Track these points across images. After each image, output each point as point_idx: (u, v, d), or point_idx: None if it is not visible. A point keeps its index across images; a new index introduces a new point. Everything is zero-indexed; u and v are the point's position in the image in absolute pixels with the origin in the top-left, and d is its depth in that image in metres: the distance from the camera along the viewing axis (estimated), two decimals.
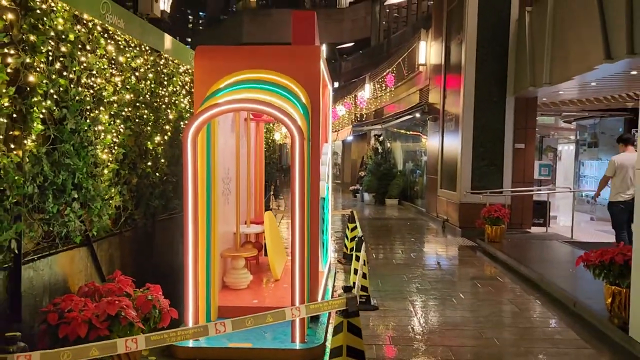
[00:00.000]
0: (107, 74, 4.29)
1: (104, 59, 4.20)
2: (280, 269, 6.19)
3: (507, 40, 11.04)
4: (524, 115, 11.33)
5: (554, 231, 11.26)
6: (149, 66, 5.12)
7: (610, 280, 5.03)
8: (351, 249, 8.12)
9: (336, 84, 35.49)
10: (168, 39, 5.55)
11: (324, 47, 6.64)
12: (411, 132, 17.59)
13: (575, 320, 5.48)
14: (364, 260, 5.81)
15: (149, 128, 5.13)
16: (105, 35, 4.29)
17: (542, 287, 6.74)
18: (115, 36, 4.47)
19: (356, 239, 6.05)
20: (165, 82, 5.52)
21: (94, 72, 4.06)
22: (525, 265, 7.68)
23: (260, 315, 3.09)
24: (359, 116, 21.41)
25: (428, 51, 14.43)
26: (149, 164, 5.16)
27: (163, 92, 5.46)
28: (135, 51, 4.82)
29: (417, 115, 14.56)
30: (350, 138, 25.63)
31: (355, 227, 8.17)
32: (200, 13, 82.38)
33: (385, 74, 17.92)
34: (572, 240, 9.88)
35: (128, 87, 4.67)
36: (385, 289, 6.68)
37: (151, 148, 5.20)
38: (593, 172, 14.63)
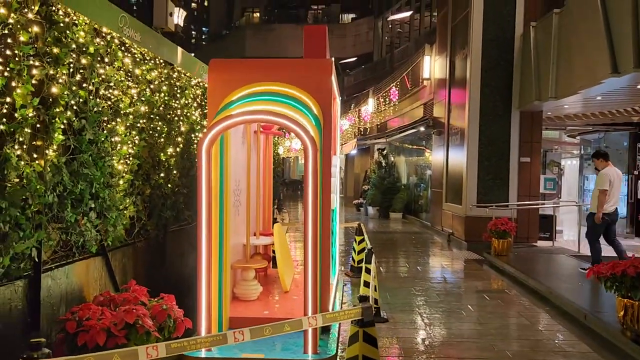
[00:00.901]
0: (124, 86, 4.35)
1: (121, 72, 4.26)
2: (289, 280, 6.20)
3: (512, 54, 11.15)
4: (530, 129, 11.40)
5: (560, 245, 11.25)
6: (162, 79, 5.19)
7: (622, 293, 5.03)
8: (359, 262, 8.14)
9: (339, 99, 35.73)
10: (180, 52, 5.63)
11: (333, 61, 6.71)
12: (415, 146, 17.66)
13: (587, 333, 5.46)
14: (374, 273, 5.82)
15: (162, 140, 5.18)
16: (123, 48, 4.36)
17: (551, 300, 6.73)
18: (132, 49, 4.54)
19: (365, 250, 6.06)
20: (178, 95, 5.59)
21: (112, 84, 4.12)
22: (533, 278, 7.67)
23: (277, 324, 3.10)
24: (362, 130, 21.51)
25: (432, 66, 14.55)
26: (162, 175, 5.20)
27: (176, 105, 5.52)
28: (150, 64, 4.89)
29: (422, 129, 14.64)
30: (353, 152, 25.70)
31: (363, 240, 8.19)
32: (204, 29, 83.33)
33: (389, 88, 18.04)
34: (579, 254, 9.87)
35: (143, 99, 4.73)
36: (394, 301, 6.67)
37: (164, 159, 5.24)
38: None
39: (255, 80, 4.91)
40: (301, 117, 4.57)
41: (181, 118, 5.67)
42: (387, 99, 18.19)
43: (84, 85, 3.74)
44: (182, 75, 5.77)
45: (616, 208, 7.82)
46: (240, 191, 5.91)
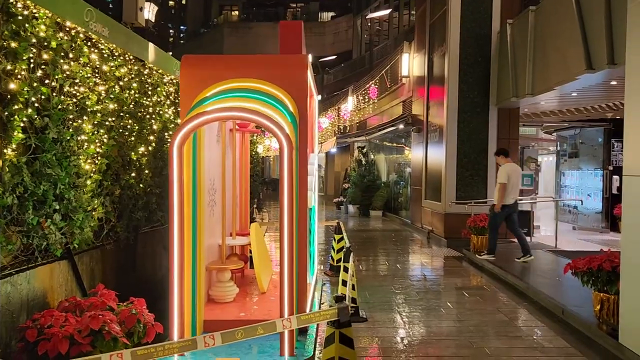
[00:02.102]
0: (91, 83, 4.20)
1: (88, 68, 4.11)
2: (266, 281, 6.09)
3: (489, 51, 11.18)
4: (507, 126, 11.45)
5: (537, 240, 11.32)
6: (132, 75, 5.04)
7: (599, 287, 5.03)
8: (338, 261, 8.05)
9: (319, 97, 35.67)
10: (152, 49, 5.48)
11: (310, 57, 6.62)
12: (395, 144, 17.67)
13: (564, 328, 5.47)
14: (352, 272, 5.74)
15: (132, 138, 5.02)
16: (89, 44, 4.20)
17: (530, 295, 6.74)
18: (99, 44, 4.39)
19: (344, 249, 5.98)
20: (150, 92, 5.43)
21: (77, 80, 3.96)
22: (511, 274, 7.68)
23: (250, 327, 3.00)
24: (342, 128, 21.45)
25: (411, 63, 14.54)
26: (133, 175, 5.05)
27: (147, 102, 5.37)
28: (119, 60, 4.73)
29: (401, 126, 14.63)
30: (333, 150, 25.66)
31: (342, 238, 8.10)
32: (182, 27, 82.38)
33: (368, 86, 18.01)
34: (557, 250, 9.94)
35: (112, 96, 4.57)
36: (373, 300, 6.61)
37: (135, 159, 5.09)
38: (574, 182, 14.82)
39: (229, 76, 4.79)
40: (276, 115, 4.47)
41: (153, 116, 5.52)
42: (367, 97, 18.16)
43: (47, 81, 3.58)
44: (154, 72, 5.62)
45: (515, 200, 8.64)
46: (215, 190, 5.78)
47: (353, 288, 5.76)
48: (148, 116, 5.38)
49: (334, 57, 33.45)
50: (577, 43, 7.40)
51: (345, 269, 5.75)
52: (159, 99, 5.66)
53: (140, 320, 3.73)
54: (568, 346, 4.93)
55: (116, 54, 4.69)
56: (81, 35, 4.07)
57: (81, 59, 4.02)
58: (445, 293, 7.11)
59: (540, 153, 21.26)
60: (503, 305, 6.47)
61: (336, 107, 22.33)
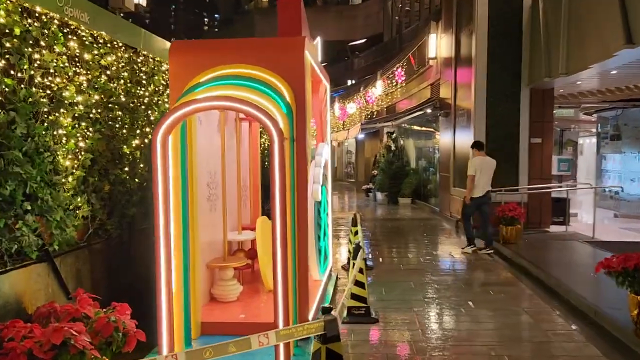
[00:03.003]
0: (70, 73, 3.92)
1: (64, 57, 3.82)
2: (271, 279, 5.76)
3: (520, 29, 10.46)
4: (540, 108, 10.74)
5: (574, 230, 10.65)
6: (122, 64, 4.74)
7: (636, 289, 4.50)
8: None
9: (349, 82, 34.98)
10: (146, 35, 5.17)
11: (318, 41, 6.22)
12: (424, 129, 17.05)
13: (597, 333, 4.95)
14: (361, 269, 5.36)
15: (124, 131, 4.75)
16: (66, 31, 3.91)
17: (560, 293, 6.21)
18: (79, 31, 4.10)
19: (355, 244, 5.59)
20: (145, 82, 5.14)
21: (52, 70, 3.68)
22: (542, 269, 7.15)
23: (220, 345, 2.67)
24: (370, 113, 20.92)
25: (438, 44, 13.88)
26: (126, 169, 4.78)
27: (142, 92, 5.08)
28: (105, 48, 4.44)
29: (428, 110, 14.03)
30: (361, 136, 25.11)
31: (357, 232, 7.71)
32: (216, 15, 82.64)
33: (394, 69, 17.40)
34: (594, 240, 9.28)
35: (97, 86, 4.29)
36: (389, 298, 6.22)
37: (128, 152, 4.82)
38: (616, 166, 13.92)
39: (221, 62, 4.44)
40: (269, 103, 4.10)
41: (150, 106, 5.23)
42: (394, 81, 17.56)
43: (12, 72, 3.31)
44: (150, 60, 5.32)
45: (487, 192, 8.80)
46: (216, 184, 5.48)
47: (363, 286, 5.38)
48: (143, 107, 5.09)
49: (363, 40, 32.69)
50: (615, 16, 6.72)
51: (360, 270, 5.36)
52: (156, 88, 5.36)
53: (119, 329, 3.46)
54: (600, 355, 4.43)
55: (101, 41, 4.39)
56: (56, 22, 3.78)
57: (56, 47, 3.73)
58: (468, 290, 6.64)
59: (581, 135, 20.19)
60: (530, 304, 5.97)
61: (364, 92, 21.75)
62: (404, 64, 17.16)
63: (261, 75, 4.39)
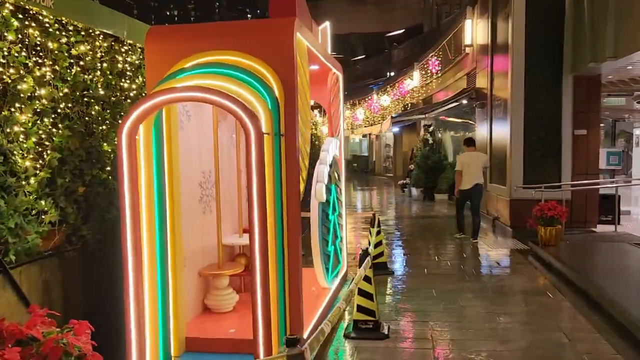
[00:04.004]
0: (30, 64, 3.53)
1: (18, 45, 3.43)
2: None
3: (561, 10, 9.54)
4: (586, 97, 9.80)
5: (625, 230, 9.68)
6: (101, 54, 4.34)
7: None
8: (374, 257, 7.10)
9: (388, 74, 34.09)
10: (131, 23, 4.76)
11: (326, 25, 5.66)
12: (461, 120, 16.18)
13: None
14: (369, 278, 4.80)
15: (104, 127, 4.35)
16: (23, 16, 3.52)
17: (604, 306, 5.45)
18: (40, 17, 3.70)
19: (362, 251, 5.02)
20: (131, 73, 4.73)
21: (2, 60, 3.29)
22: (583, 275, 6.37)
23: None
24: (404, 106, 20.15)
25: (474, 30, 13.02)
26: (108, 168, 4.39)
27: (127, 85, 4.67)
28: (77, 36, 4.04)
29: (464, 101, 13.23)
30: (396, 129, 24.31)
31: (379, 232, 7.13)
32: (257, 10, 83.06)
33: (428, 58, 16.58)
34: None
35: (67, 78, 3.89)
36: (405, 308, 5.63)
37: (110, 150, 4.42)
38: None
39: (202, 48, 3.97)
40: (249, 94, 3.59)
41: (136, 100, 4.81)
42: (429, 71, 16.76)
43: None
44: (138, 50, 4.91)
45: (475, 184, 9.26)
46: (212, 184, 5.03)
47: (371, 298, 4.81)
48: (129, 101, 4.69)
49: (401, 31, 31.72)
50: None
51: (366, 278, 4.81)
52: (145, 81, 4.94)
53: (71, 353, 3.03)
54: None
55: (71, 28, 3.99)
56: (9, 7, 3.39)
57: (8, 34, 3.34)
58: (498, 299, 5.95)
59: (636, 126, 18.76)
60: (567, 318, 5.26)
61: (395, 84, 20.96)
62: (440, 53, 16.32)
63: (245, 62, 3.89)
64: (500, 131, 10.84)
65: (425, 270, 7.35)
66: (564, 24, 9.53)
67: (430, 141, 18.45)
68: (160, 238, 3.80)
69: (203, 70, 3.77)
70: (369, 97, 24.47)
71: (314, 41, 4.77)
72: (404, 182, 19.50)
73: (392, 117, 19.03)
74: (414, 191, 17.73)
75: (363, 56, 42.45)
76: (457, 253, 8.54)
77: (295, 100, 3.93)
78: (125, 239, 3.46)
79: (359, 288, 4.79)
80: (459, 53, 14.48)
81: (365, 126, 27.73)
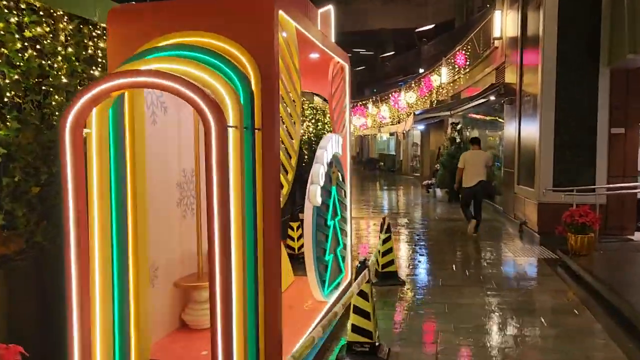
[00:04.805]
0: None
1: None
2: None
3: None
4: (624, 92, 8.96)
5: None
6: (66, 37, 3.88)
7: None
8: (383, 266, 6.52)
9: (420, 71, 33.18)
10: (106, 4, 4.28)
11: (329, 9, 5.10)
12: (489, 118, 15.36)
13: None
14: (365, 293, 4.22)
15: None
16: None
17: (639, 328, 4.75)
18: None
19: (360, 262, 4.44)
20: (103, 60, 4.26)
21: None
22: (617, 292, 5.64)
23: None
24: (431, 102, 19.37)
25: (504, 22, 12.23)
26: None
27: (99, 73, 4.20)
28: (33, 16, 3.58)
29: (492, 98, 12.43)
30: (421, 127, 23.51)
31: (389, 238, 6.53)
32: None
33: (454, 52, 15.79)
34: None
35: (19, 64, 3.44)
36: (410, 326, 5.03)
37: None
38: None
39: (172, 30, 3.46)
40: (215, 81, 3.06)
41: None
42: (456, 66, 15.98)
43: None
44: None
45: (479, 181, 9.72)
46: (194, 185, 4.54)
47: (368, 317, 4.23)
48: None
49: (430, 26, 30.80)
50: None
51: (362, 294, 4.23)
52: None
53: None
54: None
55: (23, 7, 3.53)
56: None
57: None
58: (517, 318, 5.28)
59: None
60: (594, 345, 4.57)
61: (421, 80, 20.18)
62: (468, 47, 15.52)
63: (219, 45, 3.36)
64: (529, 129, 10.07)
65: (441, 280, 6.71)
66: (600, 12, 8.72)
67: (458, 140, 17.66)
68: (119, 246, 3.31)
69: (167, 53, 3.26)
70: (394, 94, 23.74)
71: (307, 24, 4.21)
72: (429, 182, 18.75)
73: (414, 114, 18.26)
74: (439, 192, 16.97)
75: (392, 53, 41.61)
76: (476, 261, 7.86)
77: (275, 89, 3.39)
78: (69, 247, 2.97)
79: (354, 305, 4.22)
80: (488, 47, 13.69)
81: (391, 124, 26.99)
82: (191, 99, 2.78)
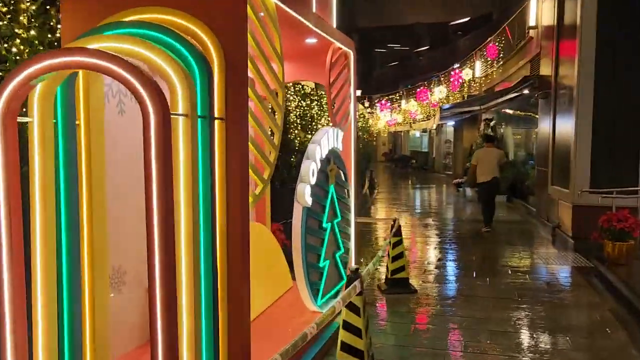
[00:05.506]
0: None
1: None
2: (254, 306, 4.30)
3: None
4: None
5: None
6: (29, 17, 3.53)
7: None
8: (393, 272, 5.99)
9: (454, 65, 32.15)
10: None
11: None
12: (523, 113, 14.51)
13: None
14: (356, 307, 3.72)
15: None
16: None
17: None
18: None
19: (352, 271, 3.94)
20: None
21: None
22: None
23: None
24: (464, 97, 18.57)
25: (539, 10, 11.42)
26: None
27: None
28: None
29: (525, 92, 11.67)
30: (452, 123, 22.64)
31: (400, 242, 5.99)
32: None
33: (487, 43, 14.99)
34: None
35: None
36: (415, 346, 4.49)
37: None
38: None
39: (130, 5, 3.04)
40: (165, 64, 2.61)
41: None
42: (488, 59, 15.18)
43: None
44: None
45: (493, 177, 9.92)
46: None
47: (359, 335, 3.73)
48: None
49: (466, 19, 29.77)
50: None
51: (353, 308, 3.74)
52: None
53: None
54: None
55: None
56: None
57: None
58: (540, 339, 4.66)
59: None
60: None
61: (449, 74, 19.35)
62: (502, 38, 14.70)
63: (180, 23, 2.92)
64: (565, 125, 9.30)
65: (458, 289, 6.13)
66: None
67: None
68: (70, 251, 2.91)
69: (119, 30, 2.84)
70: (422, 89, 22.98)
71: (296, 3, 3.72)
72: (459, 180, 17.96)
73: (440, 109, 17.48)
74: (469, 191, 16.20)
75: (426, 47, 40.61)
76: (501, 268, 7.22)
77: (244, 74, 2.93)
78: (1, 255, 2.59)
79: (343, 320, 3.73)
80: (523, 38, 12.87)
81: (422, 120, 26.21)
82: (128, 82, 2.34)
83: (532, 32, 11.92)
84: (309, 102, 9.55)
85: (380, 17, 36.78)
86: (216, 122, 2.84)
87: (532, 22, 11.64)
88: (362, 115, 16.41)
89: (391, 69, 45.23)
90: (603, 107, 8.27)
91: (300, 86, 9.24)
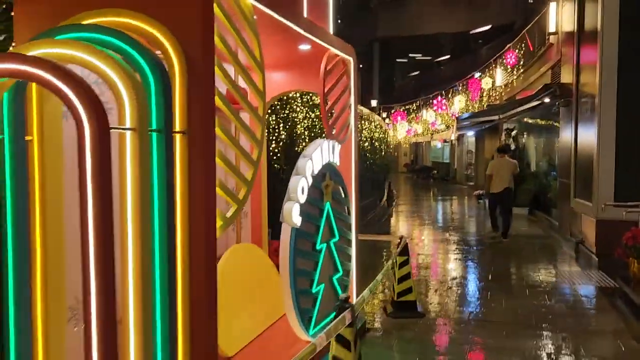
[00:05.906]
0: None
1: None
2: (237, 336, 3.98)
3: None
4: None
5: None
6: None
7: None
8: (399, 294, 5.61)
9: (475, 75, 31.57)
10: None
11: None
12: (545, 123, 13.96)
13: None
14: (347, 341, 3.36)
15: None
16: None
17: None
18: None
19: (341, 300, 3.57)
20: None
21: None
22: None
23: None
24: (483, 106, 18.08)
25: (559, 15, 10.96)
26: None
27: None
28: None
29: (546, 100, 11.16)
30: (471, 133, 22.08)
31: (407, 262, 5.60)
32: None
33: (505, 50, 14.52)
34: None
35: None
36: None
37: None
38: None
39: (87, 7, 2.78)
40: (112, 72, 2.33)
41: None
42: (508, 67, 14.70)
43: None
44: None
45: (505, 188, 10.02)
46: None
47: (348, 347, 3.36)
48: None
49: (486, 27, 29.21)
50: None
51: (344, 343, 3.38)
52: None
53: None
54: None
55: None
56: None
57: None
58: None
59: None
60: None
61: (467, 83, 18.89)
62: (522, 45, 14.22)
63: (136, 26, 2.63)
64: (587, 134, 8.81)
65: (470, 313, 5.70)
66: None
67: (513, 146, 16.30)
68: (17, 281, 2.63)
69: (70, 35, 2.57)
70: (437, 98, 22.53)
71: (280, 5, 3.42)
72: (480, 192, 17.41)
73: (457, 119, 16.97)
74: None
75: (447, 57, 40.07)
76: (518, 288, 6.75)
77: (209, 83, 2.63)
78: None
79: (333, 356, 3.36)
80: (543, 44, 12.40)
81: (442, 130, 25.70)
82: (60, 91, 2.07)
83: (552, 38, 11.46)
84: (317, 113, 9.24)
85: (402, 28, 36.52)
86: (177, 136, 2.55)
87: (552, 27, 11.19)
88: (379, 126, 16.03)
89: (413, 79, 44.78)
90: (627, 115, 7.77)
91: (309, 97, 8.94)
